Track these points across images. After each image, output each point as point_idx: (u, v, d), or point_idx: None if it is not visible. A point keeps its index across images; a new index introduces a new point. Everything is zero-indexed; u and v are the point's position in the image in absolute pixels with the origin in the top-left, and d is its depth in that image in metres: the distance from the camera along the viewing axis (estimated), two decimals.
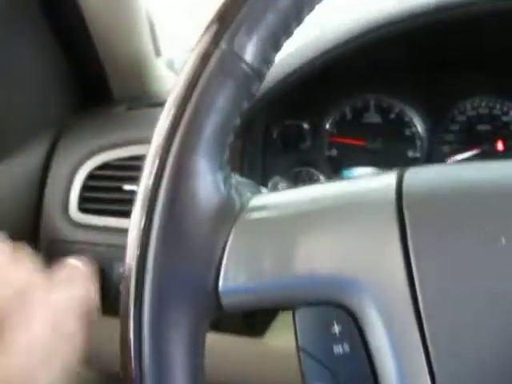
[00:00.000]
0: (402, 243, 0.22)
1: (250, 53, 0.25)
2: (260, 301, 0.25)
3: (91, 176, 0.62)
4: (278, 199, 0.27)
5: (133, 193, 0.62)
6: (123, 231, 0.64)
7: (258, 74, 0.26)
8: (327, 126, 0.70)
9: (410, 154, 0.68)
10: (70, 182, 0.61)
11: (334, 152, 0.70)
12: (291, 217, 0.26)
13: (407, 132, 0.68)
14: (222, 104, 0.25)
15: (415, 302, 0.21)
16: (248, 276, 0.25)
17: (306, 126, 0.70)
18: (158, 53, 0.74)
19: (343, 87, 0.68)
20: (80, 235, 0.60)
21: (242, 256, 0.25)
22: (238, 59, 0.25)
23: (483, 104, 0.66)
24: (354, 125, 0.69)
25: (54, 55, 0.65)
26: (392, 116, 0.69)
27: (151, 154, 0.25)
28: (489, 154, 0.66)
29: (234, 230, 0.25)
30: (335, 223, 0.25)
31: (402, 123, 0.68)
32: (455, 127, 0.67)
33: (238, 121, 0.26)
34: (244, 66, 0.25)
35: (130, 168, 0.61)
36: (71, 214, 0.61)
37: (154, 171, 0.24)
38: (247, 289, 0.25)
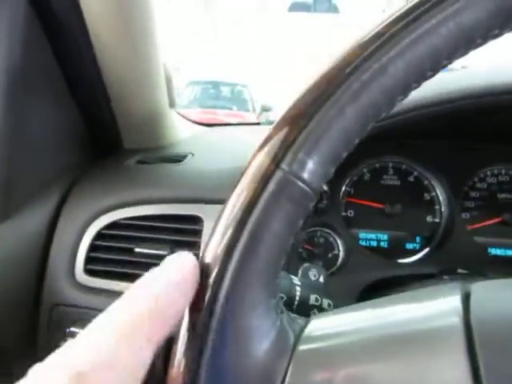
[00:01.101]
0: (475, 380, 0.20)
1: (309, 171, 0.23)
2: None
3: (99, 235, 0.59)
4: (333, 326, 0.25)
5: (143, 255, 0.59)
6: None
7: (316, 191, 0.24)
8: (345, 187, 0.68)
9: (429, 219, 0.66)
10: (77, 241, 0.58)
11: (351, 213, 0.68)
12: (353, 348, 0.23)
13: (426, 196, 0.67)
14: (278, 228, 0.23)
15: None
16: None
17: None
18: (172, 104, 0.72)
19: (362, 148, 0.67)
20: (86, 299, 0.56)
21: None
22: (298, 179, 0.23)
23: (503, 172, 0.66)
24: (371, 186, 0.68)
25: (67, 109, 0.63)
26: (411, 179, 0.67)
27: (204, 278, 0.23)
28: (509, 223, 0.64)
29: (291, 367, 0.23)
30: (400, 357, 0.22)
31: (421, 187, 0.67)
32: (475, 194, 0.66)
33: (292, 240, 0.24)
34: (303, 185, 0.23)
35: (141, 228, 0.59)
36: (77, 276, 0.58)
37: (204, 303, 0.22)
38: None
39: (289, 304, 0.35)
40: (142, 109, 0.67)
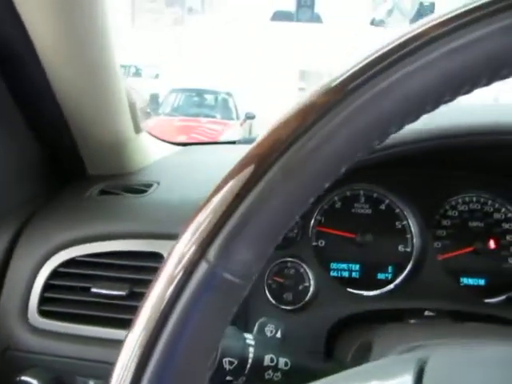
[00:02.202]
0: None
1: (239, 261, 0.21)
2: None
3: (55, 273, 0.55)
4: None
5: (101, 296, 0.56)
6: (88, 340, 0.56)
7: (247, 280, 0.21)
8: (315, 215, 0.66)
9: (401, 248, 0.65)
10: (31, 280, 0.55)
11: (322, 243, 0.66)
12: None
13: (398, 225, 0.65)
14: (203, 324, 0.20)
15: None
16: None
17: None
18: (137, 130, 0.70)
19: None
20: (39, 344, 0.53)
21: None
22: (225, 271, 0.20)
23: (474, 199, 0.65)
24: (343, 215, 0.66)
25: (22, 138, 0.59)
26: (382, 207, 0.66)
27: (121, 367, 0.20)
28: (481, 252, 0.63)
29: None
30: None
31: (393, 215, 0.65)
32: (447, 222, 0.65)
33: (222, 335, 0.22)
34: (231, 277, 0.21)
35: (99, 265, 0.56)
36: (30, 317, 0.54)
37: None
38: None
39: (240, 368, 0.32)
40: (103, 136, 0.65)
